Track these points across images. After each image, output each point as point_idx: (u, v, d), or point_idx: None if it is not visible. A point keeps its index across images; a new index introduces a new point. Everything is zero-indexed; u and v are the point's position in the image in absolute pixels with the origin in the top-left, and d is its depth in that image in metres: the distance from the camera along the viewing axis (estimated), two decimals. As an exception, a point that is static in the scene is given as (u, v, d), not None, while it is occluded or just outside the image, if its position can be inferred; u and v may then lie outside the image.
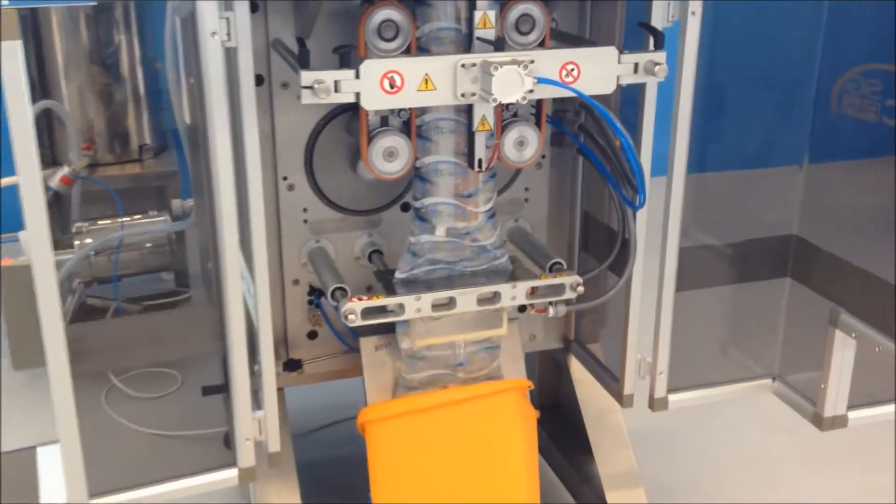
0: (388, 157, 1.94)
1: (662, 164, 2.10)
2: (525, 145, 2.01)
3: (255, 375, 2.00)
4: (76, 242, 3.47)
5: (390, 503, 2.09)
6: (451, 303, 1.98)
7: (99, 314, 3.67)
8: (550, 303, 2.07)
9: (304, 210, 2.22)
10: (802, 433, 2.50)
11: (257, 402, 2.00)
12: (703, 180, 2.39)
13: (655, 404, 2.27)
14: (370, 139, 1.92)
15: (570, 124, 2.24)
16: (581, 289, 2.05)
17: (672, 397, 2.28)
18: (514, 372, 2.22)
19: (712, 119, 2.41)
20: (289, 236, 2.24)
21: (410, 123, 1.94)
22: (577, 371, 2.59)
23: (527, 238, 2.36)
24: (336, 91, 1.70)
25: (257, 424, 2.00)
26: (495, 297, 2.01)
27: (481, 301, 2.00)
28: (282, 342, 2.33)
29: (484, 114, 1.85)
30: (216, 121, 1.73)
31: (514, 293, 2.01)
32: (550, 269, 2.16)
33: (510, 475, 2.12)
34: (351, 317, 1.91)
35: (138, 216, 3.60)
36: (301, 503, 2.22)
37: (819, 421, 2.23)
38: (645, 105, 2.02)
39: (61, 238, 3.55)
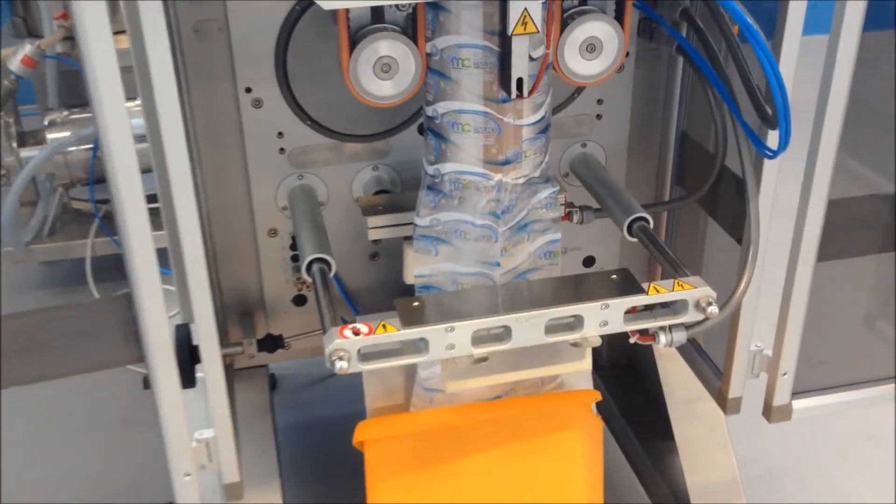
0: (383, 73, 1.25)
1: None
2: (597, 51, 1.30)
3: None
4: (49, 136, 2.87)
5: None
6: (504, 334, 1.27)
7: (86, 219, 3.12)
8: (663, 328, 1.34)
9: (280, 135, 1.56)
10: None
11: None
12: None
13: (773, 414, 1.62)
14: (353, 43, 1.24)
15: (668, 8, 1.51)
16: (714, 310, 1.29)
17: (797, 404, 1.62)
18: (576, 376, 1.58)
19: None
20: (260, 171, 1.59)
21: (417, 20, 1.23)
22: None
23: (596, 173, 1.65)
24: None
25: (204, 448, 1.42)
26: (576, 322, 1.29)
27: (552, 329, 1.28)
28: (259, 312, 1.72)
29: (525, 7, 1.13)
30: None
31: (605, 316, 1.27)
32: (629, 230, 1.48)
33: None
34: (340, 364, 1.20)
35: (128, 104, 2.96)
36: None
37: None
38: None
39: (35, 130, 2.96)
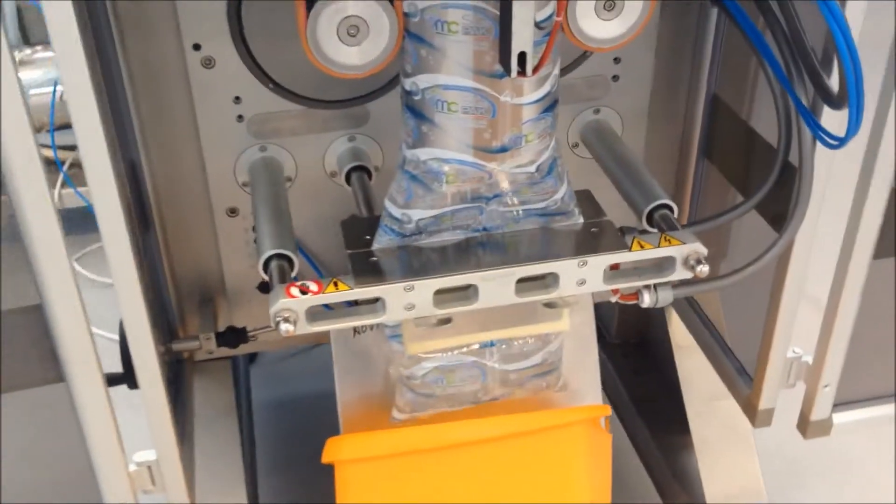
0: (349, 37, 1.00)
1: None
2: (617, 8, 1.04)
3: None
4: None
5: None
6: (469, 293, 1.10)
7: (49, 170, 2.87)
8: (648, 286, 1.19)
9: (237, 100, 1.32)
10: None
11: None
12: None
13: (810, 429, 1.40)
14: (311, 1, 0.99)
15: (702, -50, 1.26)
16: (704, 269, 1.14)
17: (838, 417, 1.41)
18: (583, 379, 1.36)
19: None
20: (214, 142, 1.35)
21: (392, -31, 0.98)
22: (679, 333, 1.71)
23: (611, 145, 1.41)
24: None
25: (146, 472, 1.21)
26: (549, 280, 1.12)
27: (524, 288, 1.12)
28: (220, 300, 1.51)
29: (532, -39, 0.88)
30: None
31: (583, 274, 1.11)
32: (649, 219, 1.25)
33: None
34: (285, 326, 1.05)
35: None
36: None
37: None
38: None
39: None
